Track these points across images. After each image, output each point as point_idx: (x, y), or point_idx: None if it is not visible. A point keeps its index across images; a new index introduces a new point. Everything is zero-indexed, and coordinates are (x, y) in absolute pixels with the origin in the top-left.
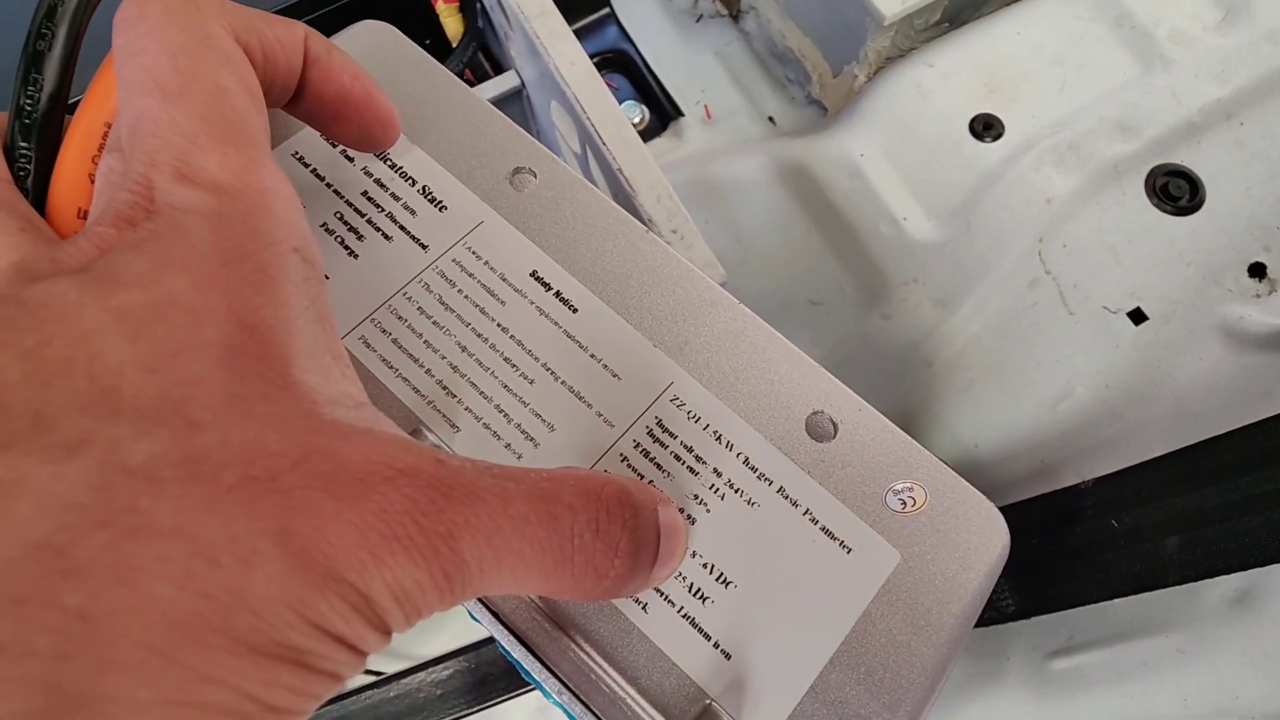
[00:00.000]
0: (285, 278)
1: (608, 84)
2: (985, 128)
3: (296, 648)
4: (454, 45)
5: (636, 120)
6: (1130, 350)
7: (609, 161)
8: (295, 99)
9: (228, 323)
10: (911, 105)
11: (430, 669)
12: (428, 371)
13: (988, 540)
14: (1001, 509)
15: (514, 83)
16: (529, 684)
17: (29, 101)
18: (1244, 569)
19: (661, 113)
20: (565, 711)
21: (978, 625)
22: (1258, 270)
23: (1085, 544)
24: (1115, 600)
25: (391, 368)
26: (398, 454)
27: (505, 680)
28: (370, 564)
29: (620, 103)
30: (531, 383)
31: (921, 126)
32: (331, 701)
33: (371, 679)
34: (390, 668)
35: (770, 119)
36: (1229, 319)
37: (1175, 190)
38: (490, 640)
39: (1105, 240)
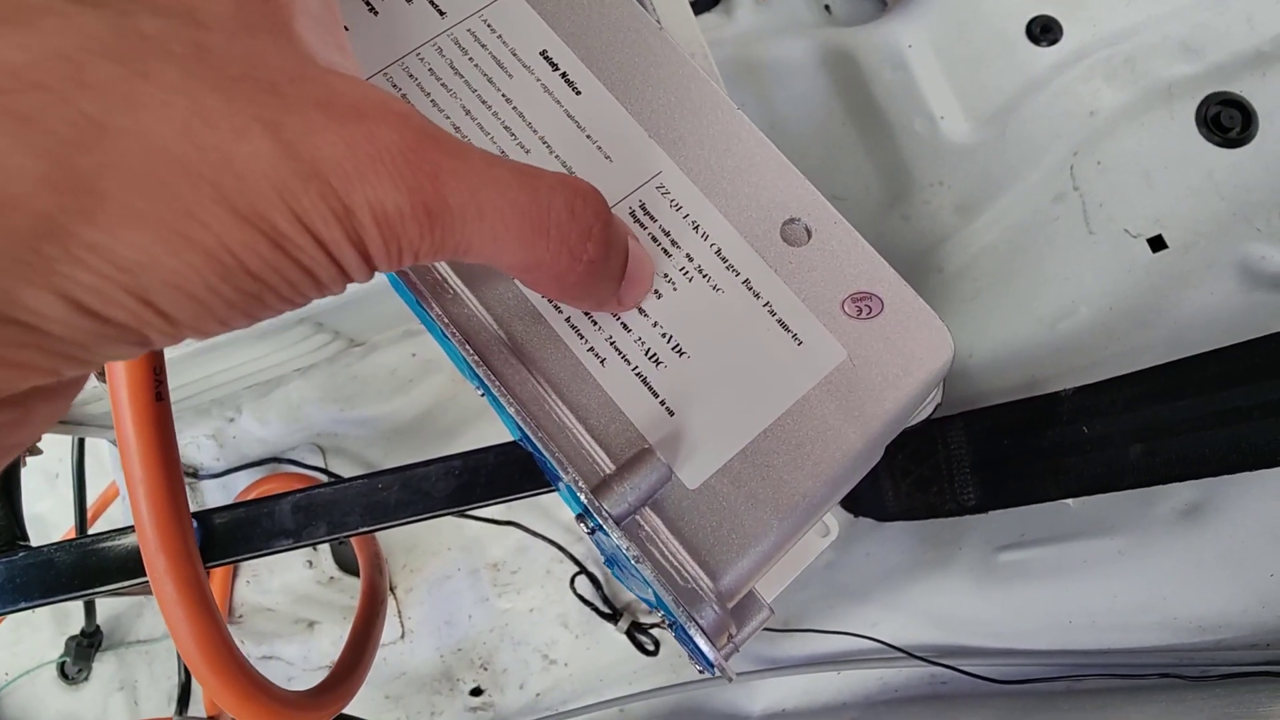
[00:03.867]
0: None
1: None
2: (1043, 30)
3: (275, 227)
4: None
5: None
6: (1142, 276)
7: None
8: None
9: None
10: None
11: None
12: None
13: (933, 352)
14: (980, 409)
15: None
16: (510, 493)
17: None
18: (1198, 478)
19: None
20: (522, 436)
21: (939, 516)
22: None
23: (1053, 446)
24: (1071, 502)
25: None
26: (392, 99)
27: (486, 488)
28: (354, 176)
29: None
30: (527, 152)
31: (978, 22)
32: (325, 485)
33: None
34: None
35: (826, 7)
36: (1250, 257)
37: (1227, 121)
38: (478, 450)
39: (1141, 163)
